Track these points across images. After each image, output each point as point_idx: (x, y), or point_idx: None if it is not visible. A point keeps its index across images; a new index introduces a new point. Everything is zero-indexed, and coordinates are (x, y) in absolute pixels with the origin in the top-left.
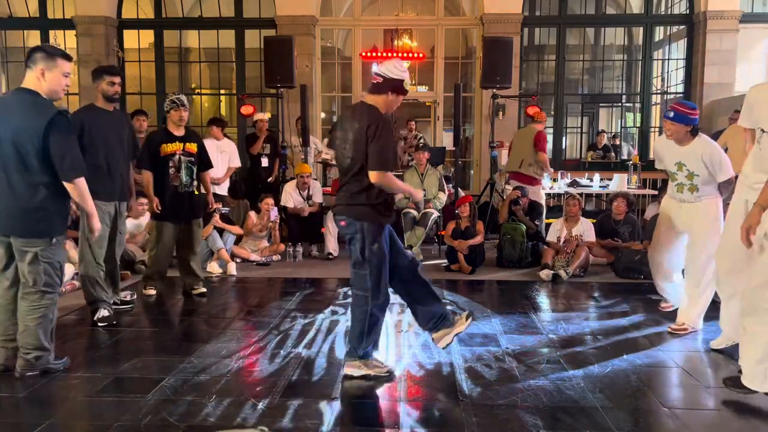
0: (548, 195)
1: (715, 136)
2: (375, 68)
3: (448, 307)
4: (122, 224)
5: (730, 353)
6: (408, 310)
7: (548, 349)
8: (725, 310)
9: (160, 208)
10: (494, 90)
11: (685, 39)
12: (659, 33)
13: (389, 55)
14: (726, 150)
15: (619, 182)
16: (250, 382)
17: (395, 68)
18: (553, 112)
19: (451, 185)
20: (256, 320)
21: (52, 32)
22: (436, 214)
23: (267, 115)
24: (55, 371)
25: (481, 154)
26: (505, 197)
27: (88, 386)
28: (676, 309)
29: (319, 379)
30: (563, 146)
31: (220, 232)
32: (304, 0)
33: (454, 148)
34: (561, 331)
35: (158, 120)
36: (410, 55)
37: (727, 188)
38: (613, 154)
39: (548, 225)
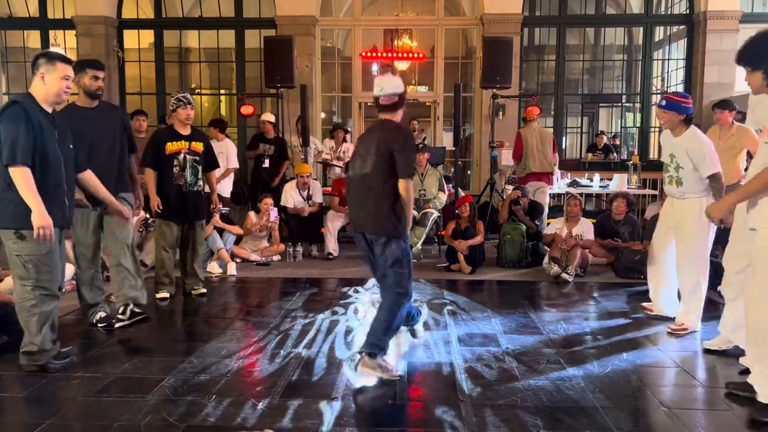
0: (549, 195)
1: None
2: (383, 90)
3: (448, 307)
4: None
5: (732, 353)
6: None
7: (548, 349)
8: (728, 312)
9: (161, 207)
10: (494, 90)
11: (685, 39)
12: (659, 33)
13: (389, 55)
14: None
15: (619, 182)
16: (250, 382)
17: (397, 83)
18: (553, 112)
19: (451, 185)
20: (256, 320)
21: (52, 32)
22: (436, 214)
23: (273, 117)
24: (53, 370)
25: (481, 154)
26: (505, 197)
27: (88, 386)
28: (657, 315)
29: (319, 379)
30: (563, 146)
31: (220, 232)
32: (304, 0)
33: (454, 148)
34: (561, 331)
35: (158, 120)
36: (410, 55)
37: (717, 187)
38: (614, 154)
39: (548, 225)
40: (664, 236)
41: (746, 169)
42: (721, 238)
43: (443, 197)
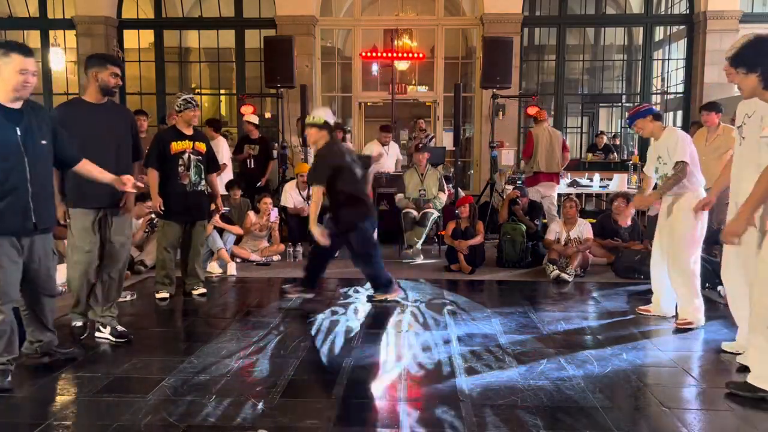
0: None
1: None
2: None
3: (448, 307)
4: (117, 232)
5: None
6: (408, 311)
7: (548, 349)
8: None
9: (163, 209)
10: (494, 90)
11: (685, 39)
12: (659, 33)
13: (389, 55)
14: None
15: (619, 182)
16: (250, 382)
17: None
18: (553, 112)
19: (451, 185)
20: (256, 320)
21: (52, 32)
22: (436, 214)
23: (256, 118)
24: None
25: (481, 154)
26: (505, 197)
27: (88, 386)
28: (654, 315)
29: (319, 379)
30: None
31: (220, 232)
32: (304, 0)
33: (454, 148)
34: (561, 331)
35: (158, 120)
36: (410, 55)
37: (677, 176)
38: (614, 154)
39: (545, 225)
40: (660, 235)
41: None
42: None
43: (443, 197)
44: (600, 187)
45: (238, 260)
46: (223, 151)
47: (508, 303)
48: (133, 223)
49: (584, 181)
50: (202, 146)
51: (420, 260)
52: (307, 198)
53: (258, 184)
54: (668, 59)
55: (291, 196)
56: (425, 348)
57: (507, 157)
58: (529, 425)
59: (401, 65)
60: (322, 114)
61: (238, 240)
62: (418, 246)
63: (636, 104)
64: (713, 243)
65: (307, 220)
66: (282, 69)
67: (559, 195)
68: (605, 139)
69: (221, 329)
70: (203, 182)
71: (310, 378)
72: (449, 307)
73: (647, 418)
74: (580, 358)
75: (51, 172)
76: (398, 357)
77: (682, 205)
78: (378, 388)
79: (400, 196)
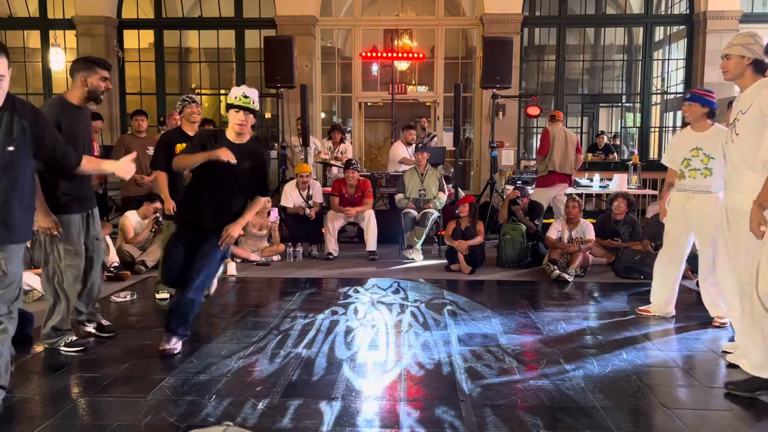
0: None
1: None
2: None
3: (448, 307)
4: (98, 232)
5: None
6: (408, 311)
7: (548, 349)
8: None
9: (175, 210)
10: (494, 90)
11: (685, 39)
12: (659, 33)
13: (389, 55)
14: None
15: (619, 182)
16: (250, 382)
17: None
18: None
19: (451, 185)
20: (256, 320)
21: (52, 32)
22: (436, 214)
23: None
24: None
25: (481, 154)
26: (505, 197)
27: (88, 386)
28: (655, 315)
29: (319, 379)
30: None
31: None
32: (304, 0)
33: (454, 148)
34: (561, 331)
35: (158, 120)
36: (410, 55)
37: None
38: (614, 154)
39: (546, 225)
40: (681, 236)
41: None
42: None
43: (443, 197)
44: (600, 187)
45: (237, 260)
46: None
47: (508, 303)
48: (140, 223)
49: (584, 181)
50: None
51: (420, 260)
52: (308, 198)
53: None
54: (668, 59)
55: (291, 196)
56: (425, 348)
57: (507, 157)
58: (529, 425)
59: (401, 65)
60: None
61: (237, 240)
62: (418, 246)
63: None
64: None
65: (306, 221)
66: (282, 69)
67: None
68: (605, 139)
69: (221, 329)
70: None
71: (310, 378)
72: (449, 307)
73: (647, 418)
74: (580, 358)
75: (18, 182)
76: (398, 357)
77: (715, 205)
78: (378, 388)
79: (400, 196)
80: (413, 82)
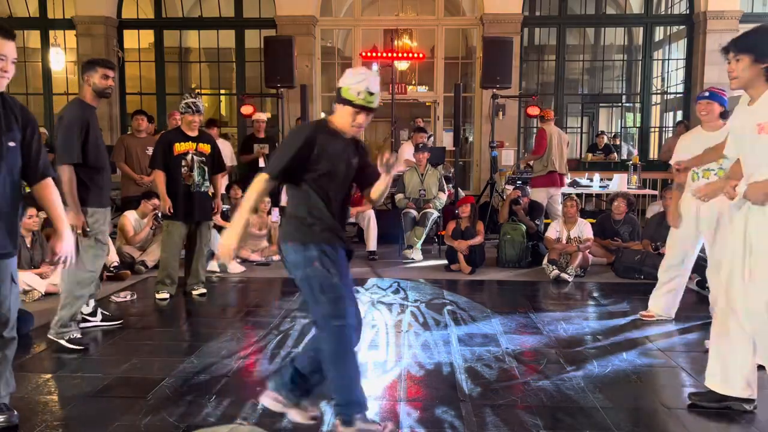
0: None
1: None
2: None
3: (448, 307)
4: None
5: None
6: (408, 311)
7: (548, 349)
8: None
9: (171, 211)
10: (494, 90)
11: (685, 39)
12: (659, 33)
13: (389, 55)
14: None
15: (619, 182)
16: (250, 382)
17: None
18: (553, 113)
19: (451, 185)
20: (256, 320)
21: (52, 32)
22: (436, 214)
23: (266, 116)
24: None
25: (481, 154)
26: (505, 197)
27: (88, 386)
28: (658, 319)
29: None
30: None
31: (219, 230)
32: (304, 0)
33: (454, 148)
34: (561, 331)
35: (158, 120)
36: (410, 55)
37: None
38: (614, 154)
39: (546, 225)
40: (690, 238)
41: None
42: None
43: (443, 197)
44: (600, 187)
45: (238, 260)
46: (229, 154)
47: (508, 303)
48: (139, 222)
49: (584, 181)
50: (206, 147)
51: (420, 260)
52: None
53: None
54: (668, 59)
55: None
56: (425, 348)
57: (507, 157)
58: (529, 425)
59: (401, 65)
60: None
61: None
62: (418, 246)
63: (635, 102)
64: None
65: None
66: (282, 69)
67: (561, 194)
68: (605, 139)
69: (221, 329)
70: (207, 183)
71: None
72: (449, 307)
73: (647, 418)
74: (580, 358)
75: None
76: (398, 357)
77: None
78: (378, 388)
79: (400, 196)
80: (413, 82)
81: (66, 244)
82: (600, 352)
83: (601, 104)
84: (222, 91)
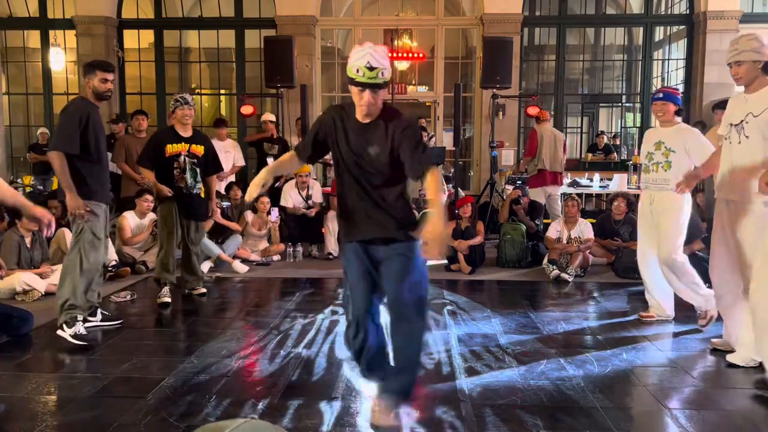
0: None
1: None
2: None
3: (448, 307)
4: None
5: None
6: None
7: (548, 349)
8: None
9: (171, 193)
10: (494, 90)
11: (685, 39)
12: (659, 33)
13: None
14: None
15: (619, 182)
16: (250, 382)
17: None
18: (553, 112)
19: (451, 185)
20: (256, 320)
21: (52, 32)
22: None
23: (272, 116)
24: None
25: (481, 154)
26: (505, 197)
27: (88, 386)
28: (658, 319)
29: (319, 379)
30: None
31: (221, 232)
32: (304, 0)
33: (454, 148)
34: (561, 331)
35: (158, 120)
36: (410, 55)
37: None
38: (614, 154)
39: (546, 225)
40: (648, 237)
41: None
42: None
43: (443, 197)
44: (600, 187)
45: (238, 260)
46: (240, 155)
47: (508, 303)
48: (139, 225)
49: (584, 181)
50: (199, 149)
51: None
52: (308, 198)
53: (276, 184)
54: (668, 59)
55: (291, 196)
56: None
57: (507, 157)
58: (529, 425)
59: (401, 65)
60: None
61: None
62: None
63: (634, 102)
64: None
65: (306, 220)
66: (282, 69)
67: (561, 194)
68: (605, 139)
69: (221, 329)
70: (199, 185)
71: (310, 378)
72: (449, 307)
73: (647, 418)
74: (580, 358)
75: None
76: None
77: (672, 201)
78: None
79: None
80: (413, 82)
81: (40, 210)
82: (600, 352)
83: (601, 104)
84: (222, 91)
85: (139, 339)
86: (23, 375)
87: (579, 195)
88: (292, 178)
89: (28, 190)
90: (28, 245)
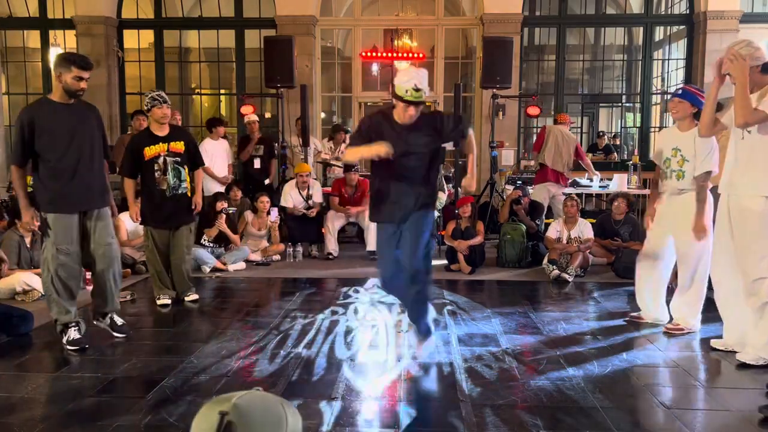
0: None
1: None
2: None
3: (448, 307)
4: (105, 234)
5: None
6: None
7: (548, 349)
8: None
9: (140, 218)
10: (494, 90)
11: (685, 39)
12: (659, 33)
13: (389, 55)
14: None
15: (619, 182)
16: (250, 382)
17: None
18: (553, 112)
19: (451, 185)
20: (256, 320)
21: (52, 32)
22: (436, 214)
23: (256, 117)
24: None
25: (481, 154)
26: (505, 197)
27: (88, 386)
28: (648, 322)
29: (319, 379)
30: None
31: (225, 241)
32: (304, 0)
33: (454, 148)
34: (561, 331)
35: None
36: (410, 55)
37: (700, 185)
38: (614, 154)
39: (547, 225)
40: (660, 239)
41: None
42: None
43: (443, 197)
44: (600, 187)
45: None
46: (229, 152)
47: (508, 303)
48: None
49: (584, 181)
50: (179, 146)
51: None
52: (308, 198)
53: (267, 182)
54: (668, 59)
55: (291, 196)
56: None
57: (507, 157)
58: (529, 425)
59: (401, 65)
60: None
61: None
62: None
63: (634, 102)
64: None
65: (307, 220)
66: (282, 69)
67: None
68: (606, 140)
69: (221, 329)
70: (184, 184)
71: (310, 378)
72: (449, 307)
73: (647, 418)
74: (580, 358)
75: None
76: (398, 357)
77: (690, 204)
78: (378, 388)
79: None
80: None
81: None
82: (600, 352)
83: (601, 104)
84: (222, 91)
85: (139, 339)
86: (23, 375)
87: (579, 195)
88: (292, 178)
89: (28, 190)
90: (28, 245)
